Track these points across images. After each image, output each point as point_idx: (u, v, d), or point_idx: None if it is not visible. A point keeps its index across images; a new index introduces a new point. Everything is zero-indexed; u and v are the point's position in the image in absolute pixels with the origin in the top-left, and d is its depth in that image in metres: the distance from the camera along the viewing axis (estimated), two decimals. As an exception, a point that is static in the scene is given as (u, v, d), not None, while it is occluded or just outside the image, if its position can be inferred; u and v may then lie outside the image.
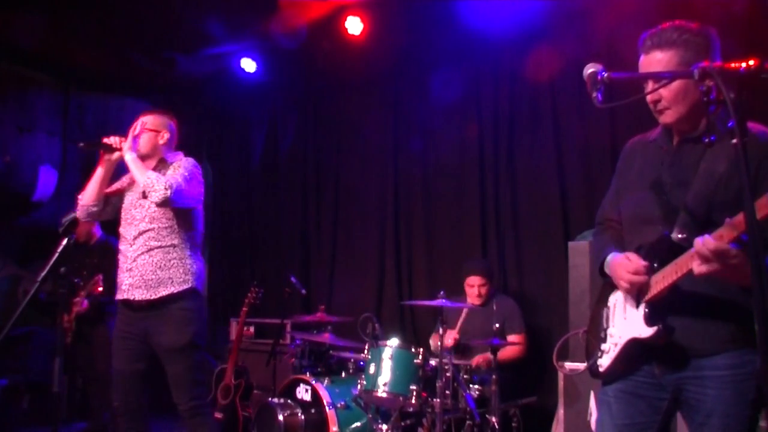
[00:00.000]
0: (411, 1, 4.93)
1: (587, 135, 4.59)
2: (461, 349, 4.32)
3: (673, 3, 3.98)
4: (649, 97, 1.83)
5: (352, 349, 4.35)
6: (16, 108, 5.75)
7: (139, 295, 3.07)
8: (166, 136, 3.31)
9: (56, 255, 2.51)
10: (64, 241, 2.54)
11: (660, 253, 1.77)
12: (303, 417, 3.85)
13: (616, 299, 1.93)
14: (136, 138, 3.16)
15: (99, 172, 3.21)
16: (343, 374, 4.28)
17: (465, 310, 4.26)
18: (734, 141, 1.33)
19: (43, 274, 2.50)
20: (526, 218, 4.90)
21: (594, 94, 1.64)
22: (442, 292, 3.72)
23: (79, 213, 3.22)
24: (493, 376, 3.65)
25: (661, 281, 1.74)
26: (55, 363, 2.85)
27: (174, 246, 3.14)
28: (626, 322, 1.86)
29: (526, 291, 4.82)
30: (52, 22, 5.07)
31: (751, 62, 1.37)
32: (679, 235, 1.74)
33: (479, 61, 5.25)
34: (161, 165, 3.24)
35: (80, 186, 3.15)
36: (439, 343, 3.58)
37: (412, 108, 5.69)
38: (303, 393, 4.00)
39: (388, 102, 5.84)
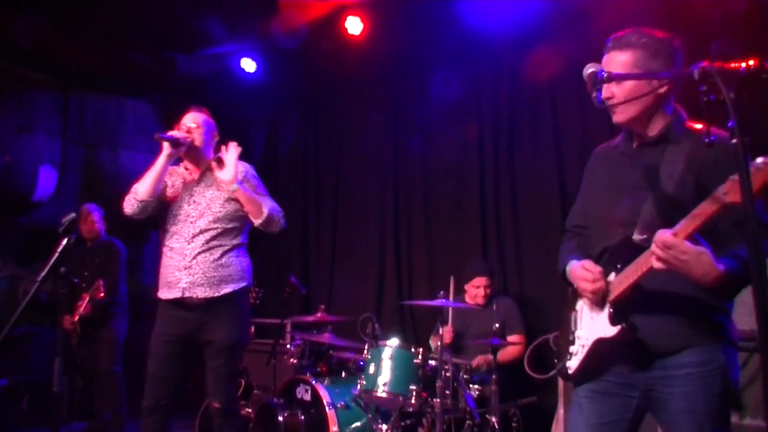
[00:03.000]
0: (411, 1, 4.93)
1: (587, 135, 4.59)
2: (460, 348, 4.32)
3: (673, 3, 3.98)
4: (603, 95, 1.86)
5: (352, 349, 4.34)
6: (16, 108, 5.75)
7: (201, 293, 3.02)
8: (217, 137, 3.30)
9: (56, 255, 2.51)
10: (64, 241, 2.54)
11: (623, 255, 1.81)
12: (303, 417, 3.85)
13: (583, 303, 1.98)
14: (236, 169, 3.10)
15: (160, 165, 3.06)
16: (343, 374, 4.27)
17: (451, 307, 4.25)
18: (734, 141, 1.33)
19: (43, 274, 2.49)
20: (526, 218, 4.90)
21: (594, 94, 1.66)
22: (442, 292, 3.72)
23: (133, 209, 3.05)
24: (493, 376, 3.65)
25: (623, 281, 1.78)
26: (55, 363, 2.83)
27: (233, 245, 3.16)
28: (592, 324, 1.90)
29: (526, 291, 4.82)
30: (52, 22, 5.07)
31: (751, 62, 1.37)
32: (641, 237, 1.78)
33: (479, 61, 5.25)
34: (219, 164, 3.19)
35: (80, 186, 3.13)
36: (439, 344, 3.58)
37: (412, 108, 5.70)
38: (303, 393, 4.00)
39: (388, 102, 5.84)
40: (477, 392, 3.76)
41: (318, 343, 4.43)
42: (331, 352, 4.44)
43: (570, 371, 1.96)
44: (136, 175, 3.15)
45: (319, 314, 4.39)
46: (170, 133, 3.08)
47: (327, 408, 3.80)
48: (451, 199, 5.36)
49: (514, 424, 3.77)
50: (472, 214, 5.17)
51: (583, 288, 1.89)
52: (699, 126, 1.84)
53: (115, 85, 6.26)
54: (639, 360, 1.80)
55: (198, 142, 3.17)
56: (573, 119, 4.67)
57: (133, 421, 5.87)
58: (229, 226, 3.14)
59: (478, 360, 4.08)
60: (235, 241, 3.18)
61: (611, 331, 1.79)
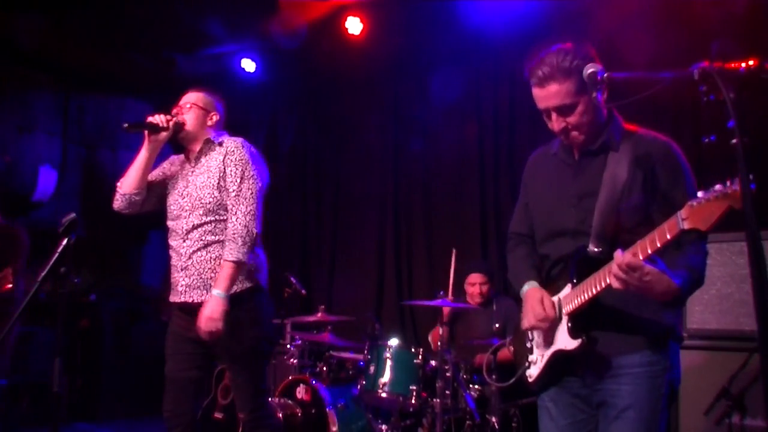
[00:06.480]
0: (411, 1, 4.93)
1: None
2: (460, 347, 4.32)
3: (673, 3, 3.98)
4: (557, 127, 1.86)
5: (352, 349, 4.35)
6: (16, 108, 5.75)
7: (197, 296, 2.67)
8: (215, 117, 2.93)
9: (56, 255, 2.50)
10: (64, 241, 2.54)
11: (578, 267, 1.83)
12: (303, 417, 3.85)
13: None
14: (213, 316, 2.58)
15: (142, 155, 2.79)
16: (343, 374, 4.28)
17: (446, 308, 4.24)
18: (734, 141, 1.33)
19: (42, 273, 2.49)
20: (526, 218, 4.89)
21: (594, 94, 1.65)
22: (442, 292, 3.72)
23: (119, 204, 2.81)
24: (494, 376, 3.65)
25: (581, 295, 1.79)
26: (55, 363, 2.83)
27: None
28: (550, 334, 1.92)
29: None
30: (52, 22, 5.07)
31: (751, 62, 1.37)
32: (595, 249, 1.80)
33: (479, 61, 5.25)
34: (207, 146, 2.85)
35: (80, 186, 3.06)
36: (439, 342, 3.59)
37: (412, 108, 5.70)
38: (303, 393, 4.00)
39: (388, 102, 5.84)
40: (477, 392, 3.76)
41: (318, 343, 4.44)
42: (331, 352, 4.44)
43: (531, 379, 1.99)
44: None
45: (319, 314, 4.39)
46: (149, 119, 2.78)
47: (327, 408, 3.80)
48: (451, 199, 5.35)
49: (514, 424, 3.76)
50: (472, 214, 5.17)
51: (528, 319, 1.95)
52: (635, 128, 1.90)
53: (115, 85, 6.26)
54: (596, 365, 1.84)
55: (189, 125, 2.84)
56: (573, 119, 4.67)
57: (131, 421, 5.87)
58: (224, 217, 2.71)
59: (479, 358, 4.07)
60: None
61: (572, 344, 1.82)
